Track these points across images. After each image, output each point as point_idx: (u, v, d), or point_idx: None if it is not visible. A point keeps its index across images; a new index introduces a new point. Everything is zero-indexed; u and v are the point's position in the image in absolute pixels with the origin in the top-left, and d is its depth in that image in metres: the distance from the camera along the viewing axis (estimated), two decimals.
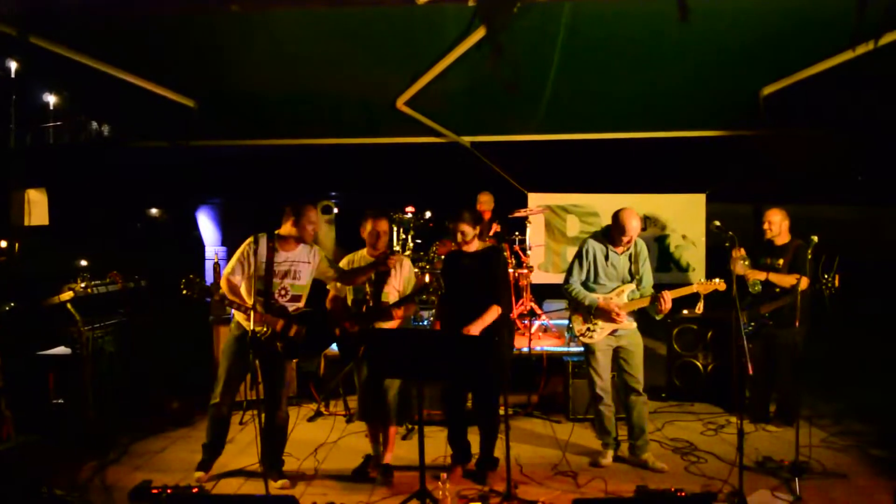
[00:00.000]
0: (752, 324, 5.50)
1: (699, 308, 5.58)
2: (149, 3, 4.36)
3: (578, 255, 4.94)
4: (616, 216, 4.80)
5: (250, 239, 4.46)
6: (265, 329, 4.40)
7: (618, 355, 4.93)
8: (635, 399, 4.90)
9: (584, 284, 4.92)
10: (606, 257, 4.86)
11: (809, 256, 4.79)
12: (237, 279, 4.44)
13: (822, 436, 5.38)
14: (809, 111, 6.57)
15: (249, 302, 4.39)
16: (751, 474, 4.55)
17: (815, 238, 4.71)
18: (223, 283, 4.43)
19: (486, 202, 7.35)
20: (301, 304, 4.56)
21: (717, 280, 4.74)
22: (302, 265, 4.53)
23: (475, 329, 4.47)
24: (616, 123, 7.37)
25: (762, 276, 5.47)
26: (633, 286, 4.85)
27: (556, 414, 6.03)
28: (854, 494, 4.35)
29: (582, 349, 5.82)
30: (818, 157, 8.28)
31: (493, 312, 4.55)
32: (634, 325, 4.90)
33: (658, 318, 4.86)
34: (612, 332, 4.86)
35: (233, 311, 4.53)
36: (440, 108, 6.78)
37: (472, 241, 4.65)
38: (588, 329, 4.89)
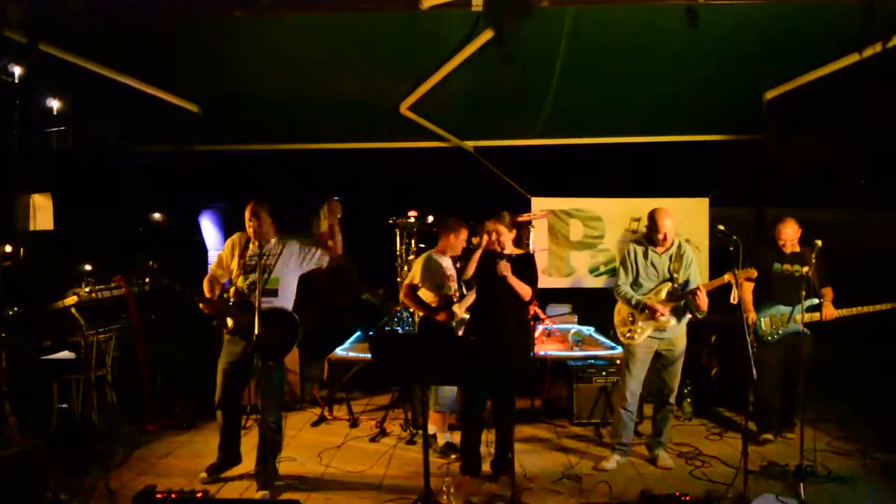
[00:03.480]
0: (780, 331, 5.27)
1: (734, 298, 5.49)
2: (153, 8, 4.38)
3: (623, 261, 5.03)
4: (650, 216, 4.89)
5: (233, 237, 4.74)
6: (232, 325, 4.53)
7: (657, 359, 4.95)
8: (662, 408, 4.99)
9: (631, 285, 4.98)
10: (646, 256, 4.92)
11: (814, 260, 4.79)
12: (220, 273, 4.72)
13: (827, 440, 5.37)
14: (813, 115, 6.57)
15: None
16: (756, 479, 4.55)
17: (819, 242, 4.71)
18: (205, 280, 4.70)
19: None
20: (275, 301, 4.54)
21: (749, 268, 4.75)
22: (272, 258, 4.59)
23: (508, 271, 4.45)
24: (619, 128, 7.37)
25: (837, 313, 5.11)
26: (671, 286, 4.84)
27: (559, 418, 6.03)
28: (859, 499, 4.34)
29: (586, 354, 5.83)
30: (821, 161, 8.28)
31: (525, 289, 4.54)
32: (681, 327, 4.87)
33: (700, 316, 4.80)
34: (654, 334, 4.85)
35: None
36: (443, 113, 6.79)
37: (507, 243, 4.66)
38: (629, 331, 4.92)
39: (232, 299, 4.58)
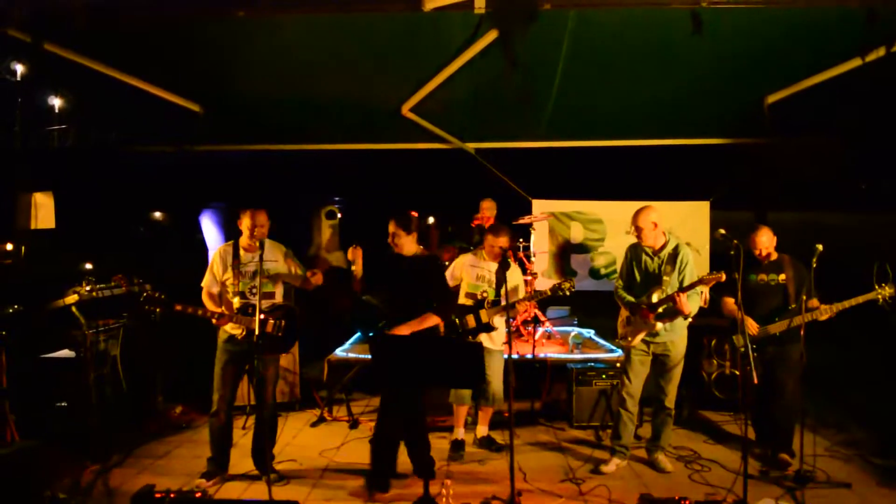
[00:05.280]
0: (755, 346, 4.84)
1: (704, 301, 5.40)
2: (156, 8, 4.38)
3: (622, 264, 5.09)
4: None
5: (218, 250, 4.74)
6: (242, 330, 4.57)
7: (656, 364, 4.93)
8: (660, 413, 4.97)
9: (626, 288, 5.00)
10: (638, 259, 4.92)
11: (815, 265, 4.70)
12: (215, 290, 4.71)
13: (826, 445, 5.36)
14: (814, 119, 6.57)
15: (222, 308, 4.59)
16: (755, 483, 4.54)
17: (820, 247, 4.64)
18: (203, 296, 4.69)
19: (488, 209, 7.36)
20: (275, 300, 4.73)
21: (717, 273, 4.63)
22: (269, 263, 4.66)
23: (404, 330, 4.48)
24: (620, 131, 7.37)
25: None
26: (660, 289, 4.78)
27: (559, 421, 6.02)
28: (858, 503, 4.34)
29: (586, 356, 5.82)
30: (822, 165, 8.27)
31: (429, 319, 4.56)
32: (677, 332, 4.83)
33: (685, 319, 4.80)
34: (648, 337, 4.84)
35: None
36: (445, 115, 6.79)
37: (405, 244, 4.64)
38: (625, 332, 4.94)
39: (235, 307, 4.58)
